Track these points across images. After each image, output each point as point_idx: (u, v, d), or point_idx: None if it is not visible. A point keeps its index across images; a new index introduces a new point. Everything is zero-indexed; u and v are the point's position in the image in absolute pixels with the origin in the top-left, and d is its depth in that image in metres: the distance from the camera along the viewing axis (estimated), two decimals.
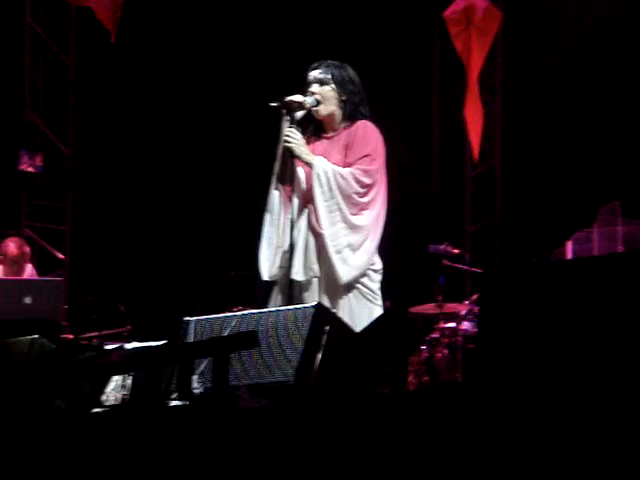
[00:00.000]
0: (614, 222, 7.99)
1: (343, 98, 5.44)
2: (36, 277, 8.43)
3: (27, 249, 8.29)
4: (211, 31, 11.02)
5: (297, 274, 5.27)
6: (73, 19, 10.82)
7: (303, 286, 5.29)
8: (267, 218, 5.42)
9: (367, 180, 5.33)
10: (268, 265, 5.36)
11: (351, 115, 5.45)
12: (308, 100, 5.42)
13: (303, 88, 5.46)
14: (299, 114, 5.42)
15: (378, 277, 5.40)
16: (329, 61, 5.49)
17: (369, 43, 10.47)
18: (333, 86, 5.43)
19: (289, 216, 5.32)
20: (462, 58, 10.73)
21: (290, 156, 5.37)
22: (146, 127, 10.98)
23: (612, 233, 7.96)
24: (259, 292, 7.74)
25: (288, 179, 5.37)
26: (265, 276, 5.38)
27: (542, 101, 10.31)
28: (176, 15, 10.92)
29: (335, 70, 5.45)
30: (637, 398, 2.95)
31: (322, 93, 5.43)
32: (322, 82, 5.44)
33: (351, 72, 5.49)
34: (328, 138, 5.49)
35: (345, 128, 5.44)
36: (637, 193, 8.83)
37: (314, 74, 5.46)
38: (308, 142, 5.46)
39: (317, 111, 5.43)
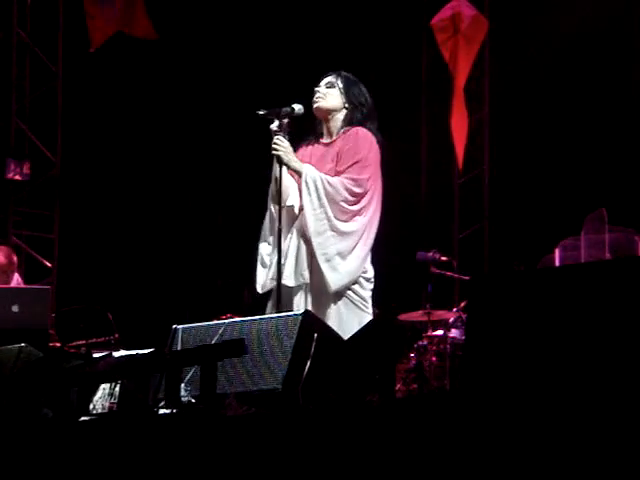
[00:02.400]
0: (601, 229, 8.01)
1: (347, 105, 5.46)
2: (23, 285, 8.40)
3: (15, 258, 8.26)
4: (200, 39, 11.01)
5: (288, 279, 5.28)
6: (60, 27, 10.81)
7: (293, 292, 5.30)
8: (262, 238, 5.44)
9: (357, 189, 5.33)
10: (262, 281, 5.38)
11: (352, 121, 5.46)
12: (296, 106, 5.44)
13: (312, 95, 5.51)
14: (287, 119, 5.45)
15: (369, 285, 5.39)
16: (344, 72, 5.54)
17: (356, 52, 10.47)
18: (340, 90, 5.46)
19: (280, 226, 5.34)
20: (449, 66, 10.76)
21: (278, 164, 5.38)
22: (134, 135, 10.97)
23: (599, 240, 7.98)
24: (246, 300, 7.74)
25: (282, 200, 5.39)
26: (259, 289, 5.40)
27: (530, 109, 10.33)
28: (165, 22, 10.91)
29: (346, 80, 5.50)
30: (624, 402, 2.95)
31: (326, 93, 5.45)
32: (330, 85, 5.47)
33: (363, 89, 5.53)
34: (325, 144, 5.50)
35: (342, 134, 5.45)
36: (624, 200, 8.86)
37: (325, 78, 5.51)
38: (307, 145, 5.48)
39: (317, 104, 5.44)
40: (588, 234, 8.07)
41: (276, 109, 5.43)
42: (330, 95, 5.47)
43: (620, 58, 9.84)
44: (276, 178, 5.39)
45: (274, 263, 5.31)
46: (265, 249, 5.42)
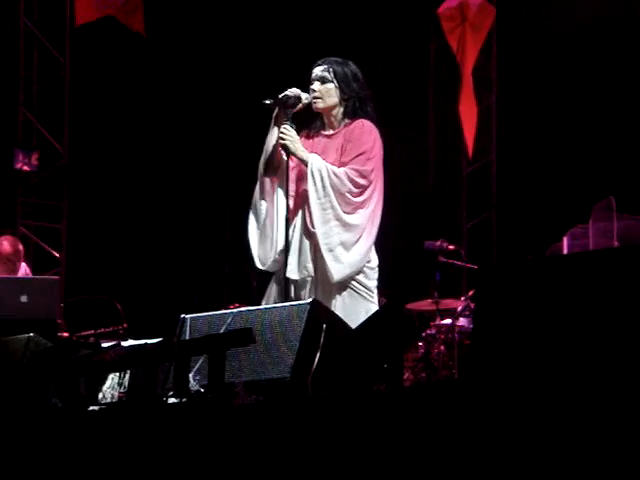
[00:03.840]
0: (609, 217, 7.99)
1: (344, 96, 5.43)
2: (31, 275, 8.42)
3: (21, 247, 8.27)
4: (206, 30, 11.02)
5: (292, 272, 5.28)
6: (68, 17, 10.81)
7: (298, 285, 5.30)
8: (252, 210, 5.44)
9: (361, 181, 5.32)
10: (261, 254, 5.37)
11: (353, 113, 5.43)
12: (304, 95, 5.42)
13: (307, 85, 5.46)
14: (296, 107, 5.42)
15: (374, 275, 5.39)
16: (332, 58, 5.47)
17: (364, 41, 10.46)
18: (335, 84, 5.42)
19: (279, 208, 5.32)
20: (456, 54, 10.74)
21: (285, 153, 5.37)
22: (141, 124, 10.98)
23: (607, 228, 7.97)
24: (255, 289, 7.74)
25: (272, 171, 5.39)
26: (258, 265, 5.39)
27: (537, 97, 10.32)
28: (171, 13, 10.91)
29: (338, 67, 5.43)
30: (633, 392, 2.95)
31: (322, 90, 5.42)
32: (324, 80, 5.42)
33: (354, 69, 5.46)
34: (328, 136, 5.48)
35: (345, 126, 5.43)
36: (632, 188, 8.85)
37: (316, 71, 5.45)
38: (308, 138, 5.46)
39: (315, 105, 5.43)
40: (596, 222, 8.06)
41: (282, 98, 5.41)
42: (327, 92, 5.42)
43: (629, 44, 9.82)
44: (267, 150, 5.40)
45: (272, 241, 5.32)
46: (256, 222, 5.43)
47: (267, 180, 5.43)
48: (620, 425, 2.93)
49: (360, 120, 5.40)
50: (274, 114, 5.41)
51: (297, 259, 5.30)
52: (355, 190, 5.31)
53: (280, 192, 5.35)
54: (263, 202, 5.42)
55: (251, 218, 5.46)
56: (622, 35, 9.85)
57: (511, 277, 3.41)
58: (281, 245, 5.30)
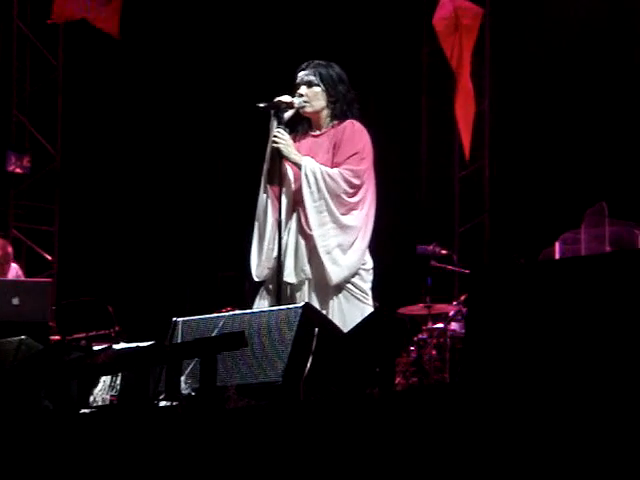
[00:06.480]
0: (601, 223, 8.01)
1: (332, 99, 5.44)
2: (23, 278, 8.41)
3: (10, 250, 8.26)
4: (199, 32, 11.01)
5: (289, 276, 5.27)
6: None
7: (294, 288, 5.29)
8: (256, 220, 5.44)
9: (356, 181, 5.33)
10: (256, 266, 5.37)
11: (340, 115, 5.44)
12: (296, 101, 5.42)
13: (292, 89, 5.47)
14: (287, 114, 5.43)
15: (369, 277, 5.39)
16: (316, 61, 5.48)
17: (358, 44, 10.47)
18: (321, 87, 5.43)
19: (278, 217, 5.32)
20: (450, 60, 10.74)
21: (279, 157, 5.37)
22: (134, 127, 10.97)
23: (599, 234, 7.98)
24: (247, 293, 7.75)
25: (276, 180, 5.38)
26: (254, 277, 5.39)
27: (531, 102, 10.33)
28: (164, 15, 10.90)
29: (323, 70, 5.44)
30: (624, 395, 2.95)
31: (310, 94, 5.43)
32: (310, 83, 5.43)
33: (339, 71, 5.48)
34: (315, 136, 5.48)
35: (333, 127, 5.44)
36: (624, 194, 8.86)
37: (302, 75, 5.46)
38: (295, 140, 5.46)
39: (303, 109, 5.44)
40: (588, 227, 8.08)
41: (276, 102, 5.42)
42: (314, 96, 5.42)
43: (621, 49, 9.83)
44: (268, 159, 5.40)
45: (269, 251, 5.31)
46: (258, 233, 5.42)
47: (270, 190, 5.41)
48: (611, 428, 2.93)
49: (350, 120, 5.41)
50: (270, 124, 5.40)
51: (294, 262, 5.30)
52: (350, 190, 5.32)
53: (284, 202, 5.32)
54: (268, 215, 5.39)
55: (255, 229, 5.44)
56: (616, 40, 9.86)
57: (503, 282, 3.42)
58: (275, 251, 5.29)
